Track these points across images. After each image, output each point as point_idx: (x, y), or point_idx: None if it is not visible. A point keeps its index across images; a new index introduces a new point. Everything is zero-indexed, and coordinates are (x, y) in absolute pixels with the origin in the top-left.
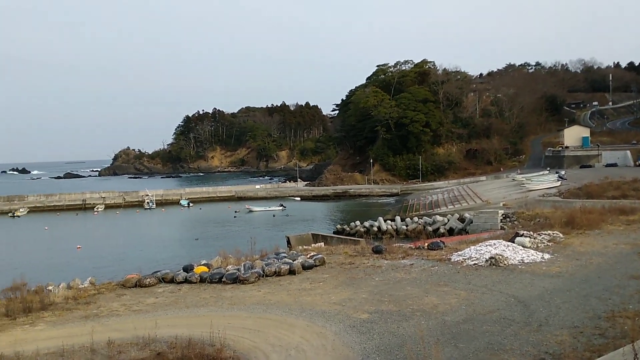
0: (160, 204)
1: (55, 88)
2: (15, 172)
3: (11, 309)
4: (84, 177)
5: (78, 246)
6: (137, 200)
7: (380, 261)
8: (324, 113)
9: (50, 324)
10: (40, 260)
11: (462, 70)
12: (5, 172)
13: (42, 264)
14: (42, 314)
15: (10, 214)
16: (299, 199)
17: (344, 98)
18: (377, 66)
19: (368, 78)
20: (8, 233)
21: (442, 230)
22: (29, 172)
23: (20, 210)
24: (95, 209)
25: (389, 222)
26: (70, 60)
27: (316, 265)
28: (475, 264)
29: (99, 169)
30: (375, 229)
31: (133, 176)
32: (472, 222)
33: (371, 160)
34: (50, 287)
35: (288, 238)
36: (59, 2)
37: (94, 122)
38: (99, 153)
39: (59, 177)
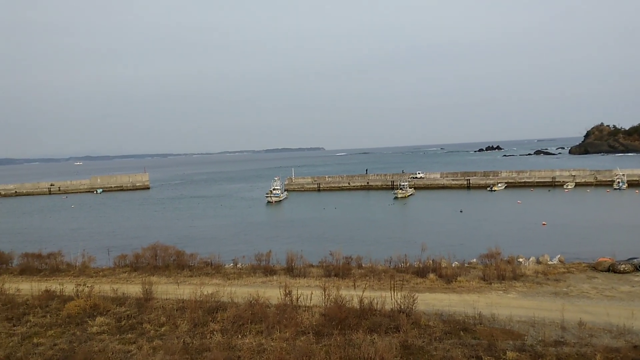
0: (636, 184)
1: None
2: (489, 150)
3: (487, 274)
4: (553, 154)
5: (543, 222)
6: (609, 179)
7: None
8: None
9: (521, 294)
10: (509, 231)
11: None
12: (482, 149)
13: (511, 235)
14: (513, 283)
15: (488, 188)
16: None
17: None
18: None
19: None
20: (485, 204)
21: None
22: (502, 149)
23: (498, 185)
24: (565, 186)
25: None
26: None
27: None
28: None
29: (569, 147)
30: None
31: (609, 154)
32: None
33: None
34: (520, 259)
35: None
36: None
37: (566, 99)
38: (570, 130)
39: (528, 154)
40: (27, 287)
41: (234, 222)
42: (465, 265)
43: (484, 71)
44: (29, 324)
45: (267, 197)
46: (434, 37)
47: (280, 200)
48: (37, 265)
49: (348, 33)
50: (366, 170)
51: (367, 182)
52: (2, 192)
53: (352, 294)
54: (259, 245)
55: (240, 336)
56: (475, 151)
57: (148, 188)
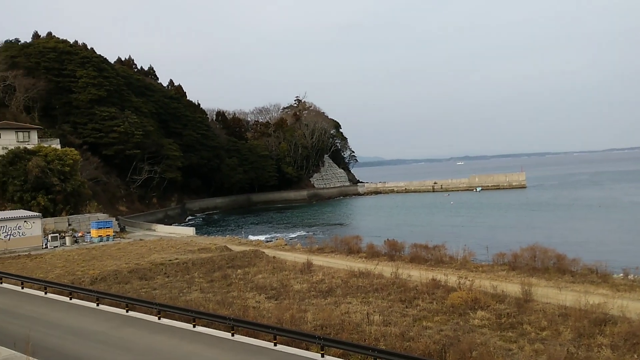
0: None
1: None
2: None
3: None
4: None
5: None
6: None
7: None
8: None
9: None
10: None
11: None
12: None
13: None
14: None
15: None
16: None
17: None
18: None
19: None
20: None
21: None
22: None
23: None
24: None
25: None
26: None
27: None
28: None
29: None
30: None
31: None
32: None
33: None
34: None
35: None
36: None
37: None
38: None
39: None
40: (416, 274)
41: (621, 228)
42: None
43: None
44: (418, 307)
45: None
46: None
47: None
48: (424, 255)
49: None
50: None
51: None
52: (395, 189)
53: None
54: None
55: (636, 356)
56: None
57: (524, 187)
